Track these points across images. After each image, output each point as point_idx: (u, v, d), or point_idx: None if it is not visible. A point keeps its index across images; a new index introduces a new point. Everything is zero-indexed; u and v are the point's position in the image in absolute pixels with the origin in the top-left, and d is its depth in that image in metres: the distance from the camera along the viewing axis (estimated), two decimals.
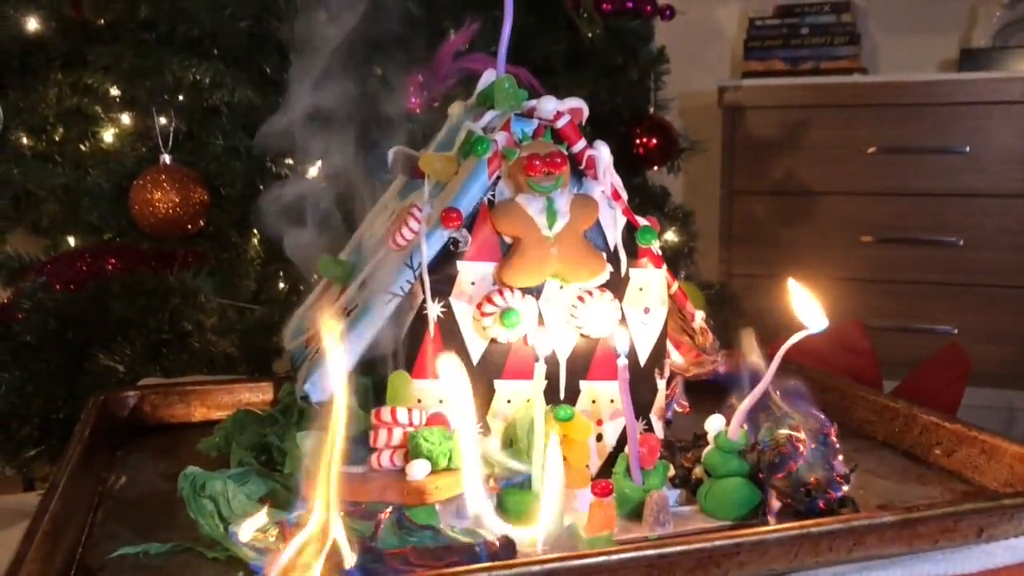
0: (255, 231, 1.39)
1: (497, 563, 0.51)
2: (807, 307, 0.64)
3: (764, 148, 2.13)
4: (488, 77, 0.75)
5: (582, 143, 0.70)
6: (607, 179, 0.71)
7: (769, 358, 0.65)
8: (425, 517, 0.58)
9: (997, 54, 2.10)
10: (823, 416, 0.65)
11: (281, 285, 1.39)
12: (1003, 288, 1.98)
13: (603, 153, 0.71)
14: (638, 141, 1.76)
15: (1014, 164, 1.94)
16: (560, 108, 0.70)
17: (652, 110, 1.83)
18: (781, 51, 2.30)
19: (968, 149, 1.96)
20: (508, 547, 0.54)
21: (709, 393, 0.75)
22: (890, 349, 1.80)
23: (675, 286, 0.74)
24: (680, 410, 0.78)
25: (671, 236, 1.85)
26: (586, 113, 0.74)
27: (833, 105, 2.09)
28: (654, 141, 1.76)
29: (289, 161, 1.35)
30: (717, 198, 2.20)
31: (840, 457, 0.63)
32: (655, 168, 1.84)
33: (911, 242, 2.03)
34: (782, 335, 0.64)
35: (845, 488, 0.62)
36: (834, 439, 0.63)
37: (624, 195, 0.72)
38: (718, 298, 1.83)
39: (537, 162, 0.66)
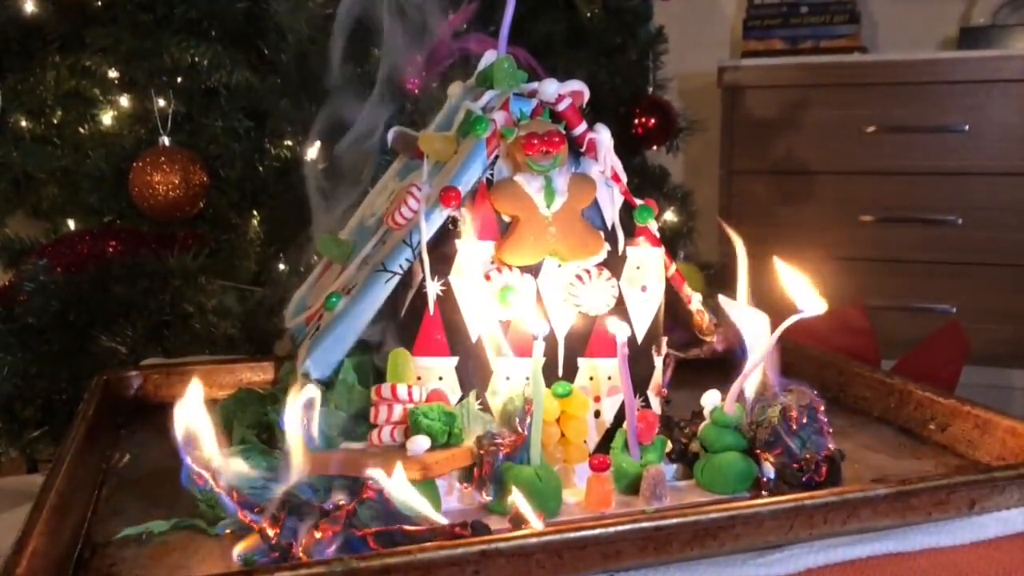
0: (255, 212, 1.40)
1: (496, 536, 0.52)
2: (803, 290, 0.64)
3: (763, 128, 2.12)
4: (489, 57, 0.76)
5: (583, 126, 0.70)
6: (608, 162, 0.71)
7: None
8: (426, 492, 0.59)
9: (996, 32, 2.09)
10: (813, 392, 0.66)
11: (281, 266, 1.40)
12: (1002, 267, 1.98)
13: (604, 136, 0.71)
14: (637, 121, 1.76)
15: (1013, 142, 1.94)
16: (562, 91, 0.70)
17: (651, 90, 1.83)
18: (780, 30, 2.29)
19: (967, 128, 1.96)
20: (481, 529, 0.55)
21: (709, 370, 0.76)
22: (890, 328, 1.81)
23: (672, 268, 0.74)
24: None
25: (671, 216, 1.86)
26: (587, 96, 0.74)
27: (833, 84, 2.08)
28: (653, 121, 1.76)
29: (288, 143, 1.36)
30: (716, 178, 2.19)
31: (830, 430, 0.65)
32: (654, 148, 1.84)
33: (910, 221, 2.03)
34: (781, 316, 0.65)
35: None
36: (822, 414, 0.64)
37: (624, 177, 0.73)
38: (718, 278, 1.83)
39: (535, 141, 0.66)
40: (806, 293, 0.64)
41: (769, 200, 2.14)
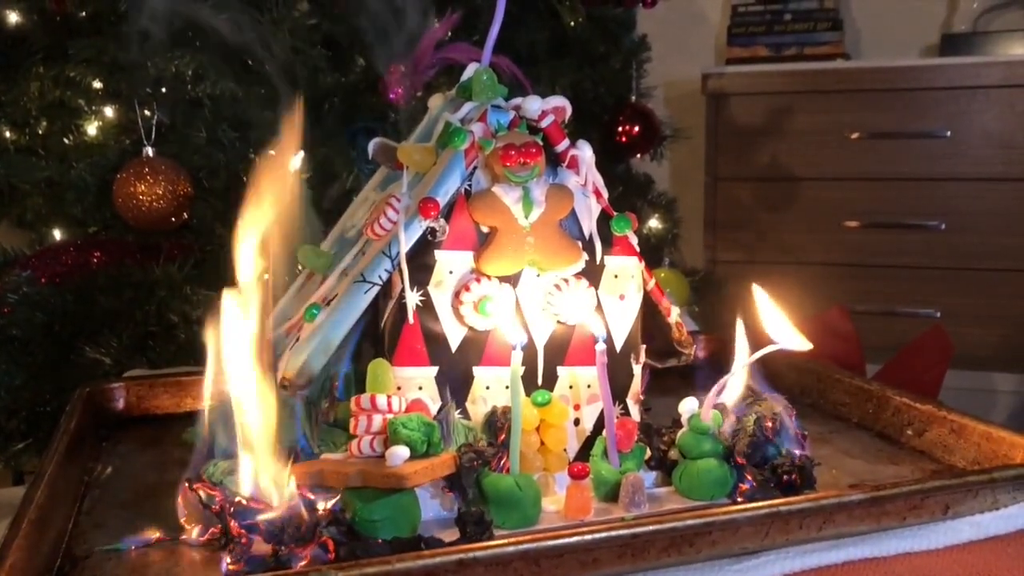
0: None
1: (473, 545, 0.52)
2: (783, 328, 0.65)
3: (748, 134, 2.14)
4: (471, 69, 0.76)
5: (565, 142, 0.71)
6: (590, 178, 0.72)
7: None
8: (407, 501, 0.60)
9: (977, 39, 2.11)
10: (785, 400, 0.66)
11: (266, 276, 1.40)
12: (985, 271, 2.00)
13: (586, 153, 0.72)
14: (620, 129, 1.77)
15: (995, 148, 1.96)
16: (544, 107, 0.71)
17: (634, 98, 1.83)
18: (764, 37, 2.31)
19: (949, 134, 1.98)
20: (433, 545, 0.55)
21: (692, 378, 0.77)
22: (874, 333, 1.82)
23: (652, 282, 0.75)
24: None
25: (655, 223, 1.86)
26: (569, 111, 0.75)
27: (816, 91, 2.09)
28: (637, 129, 1.77)
29: (272, 152, 1.36)
30: (702, 185, 2.21)
31: (805, 436, 0.65)
32: (638, 156, 1.85)
33: (895, 227, 2.05)
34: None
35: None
36: (796, 422, 0.65)
37: (605, 193, 0.74)
38: (703, 285, 1.84)
39: (513, 152, 0.67)
40: (787, 330, 0.65)
41: (754, 206, 2.15)
